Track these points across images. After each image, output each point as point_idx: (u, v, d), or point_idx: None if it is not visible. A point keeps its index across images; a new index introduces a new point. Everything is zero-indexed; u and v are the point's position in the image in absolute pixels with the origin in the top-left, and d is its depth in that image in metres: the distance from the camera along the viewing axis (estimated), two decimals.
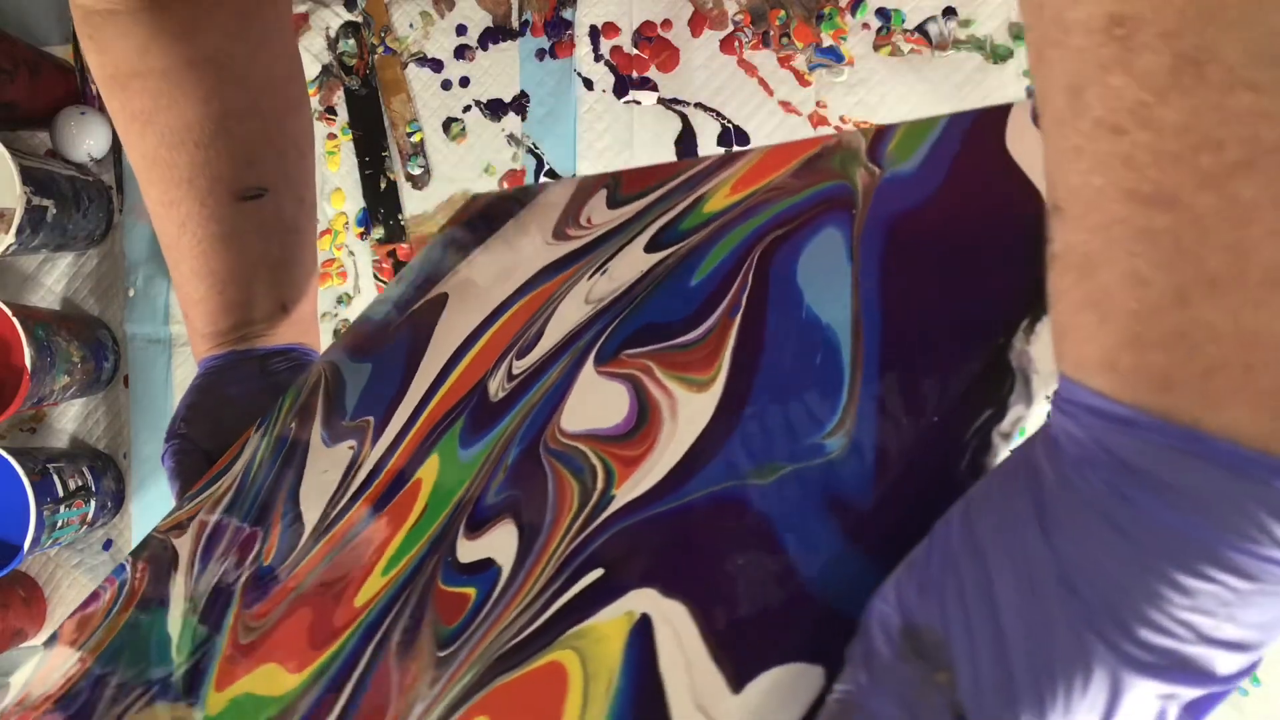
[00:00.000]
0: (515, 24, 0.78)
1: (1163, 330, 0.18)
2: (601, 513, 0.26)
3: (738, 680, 0.21)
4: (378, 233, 0.81)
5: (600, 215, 0.41)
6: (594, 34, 0.76)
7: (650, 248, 0.36)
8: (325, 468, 0.38)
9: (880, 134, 0.32)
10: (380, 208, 0.81)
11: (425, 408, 0.37)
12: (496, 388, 0.35)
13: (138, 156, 0.45)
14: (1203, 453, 0.17)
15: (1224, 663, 0.18)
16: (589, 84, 0.77)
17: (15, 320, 0.71)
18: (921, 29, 0.72)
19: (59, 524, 0.73)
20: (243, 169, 0.45)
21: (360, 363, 0.43)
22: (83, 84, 0.85)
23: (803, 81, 0.74)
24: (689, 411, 0.27)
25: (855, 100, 0.73)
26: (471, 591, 0.28)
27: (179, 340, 0.83)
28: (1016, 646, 0.19)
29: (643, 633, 0.22)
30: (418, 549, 0.31)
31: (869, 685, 0.20)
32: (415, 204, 0.81)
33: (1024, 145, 0.27)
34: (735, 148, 0.75)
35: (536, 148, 0.78)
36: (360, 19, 0.80)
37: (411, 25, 0.80)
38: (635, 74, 0.76)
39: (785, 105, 0.75)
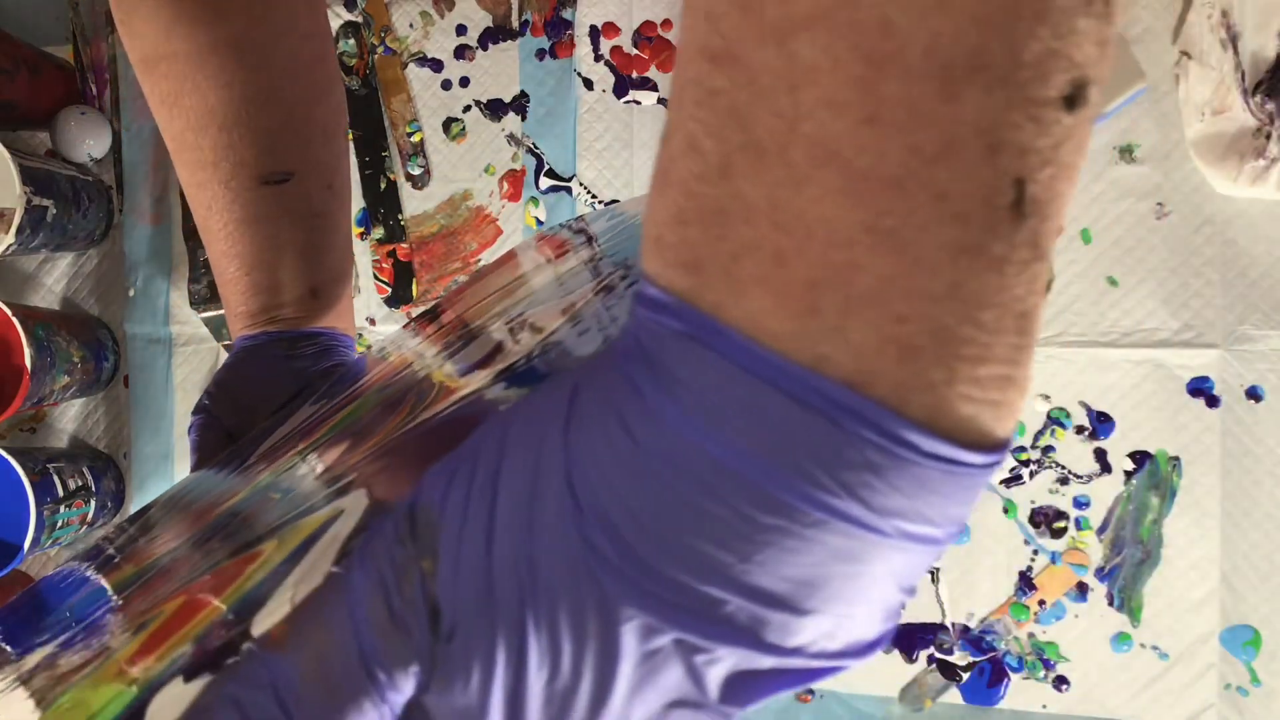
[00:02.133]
0: (515, 24, 0.78)
1: (703, 204, 0.15)
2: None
3: None
4: (378, 233, 0.81)
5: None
6: (594, 34, 0.76)
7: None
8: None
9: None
10: (380, 208, 0.81)
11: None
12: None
13: (169, 138, 0.45)
14: (716, 346, 0.15)
15: (771, 626, 0.16)
16: (589, 84, 0.77)
17: (15, 320, 0.71)
18: None
19: (59, 524, 0.73)
20: (265, 154, 0.45)
21: None
22: (83, 84, 0.85)
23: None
24: None
25: None
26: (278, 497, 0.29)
27: (179, 340, 0.83)
28: (504, 546, 0.17)
29: (328, 519, 0.24)
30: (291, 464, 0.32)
31: (358, 560, 0.19)
32: (415, 204, 0.81)
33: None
34: None
35: (536, 148, 0.78)
36: (360, 19, 0.80)
37: (411, 25, 0.80)
38: (635, 74, 0.76)
39: None
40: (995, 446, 0.16)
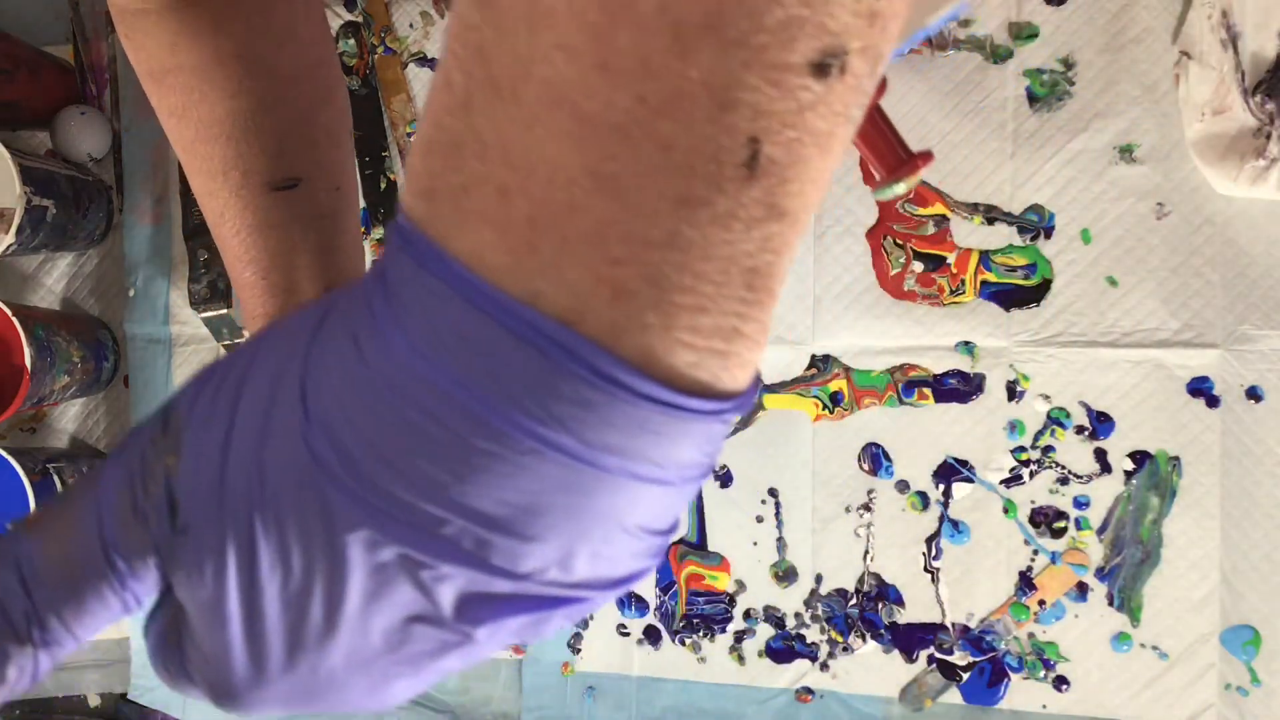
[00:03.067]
0: None
1: (445, 136, 0.16)
2: None
3: None
4: (378, 233, 0.81)
5: None
6: None
7: None
8: None
9: None
10: (380, 208, 0.81)
11: None
12: None
13: (179, 149, 0.46)
14: (440, 274, 0.16)
15: (497, 550, 0.16)
16: None
17: (15, 320, 0.71)
18: None
19: None
20: (274, 160, 0.46)
21: None
22: (82, 84, 0.85)
23: None
24: None
25: None
26: None
27: (179, 340, 0.83)
28: (239, 448, 0.17)
29: None
30: None
31: (115, 454, 0.19)
32: None
33: None
34: None
35: None
36: (360, 19, 0.80)
37: (411, 25, 0.80)
38: None
39: None
40: (723, 395, 0.16)
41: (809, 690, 0.73)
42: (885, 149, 0.42)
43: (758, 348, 0.17)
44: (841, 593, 0.73)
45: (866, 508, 0.73)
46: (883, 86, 0.39)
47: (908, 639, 0.72)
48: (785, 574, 0.74)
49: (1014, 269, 0.70)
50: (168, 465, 0.18)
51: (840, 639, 0.73)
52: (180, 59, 0.43)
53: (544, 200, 0.15)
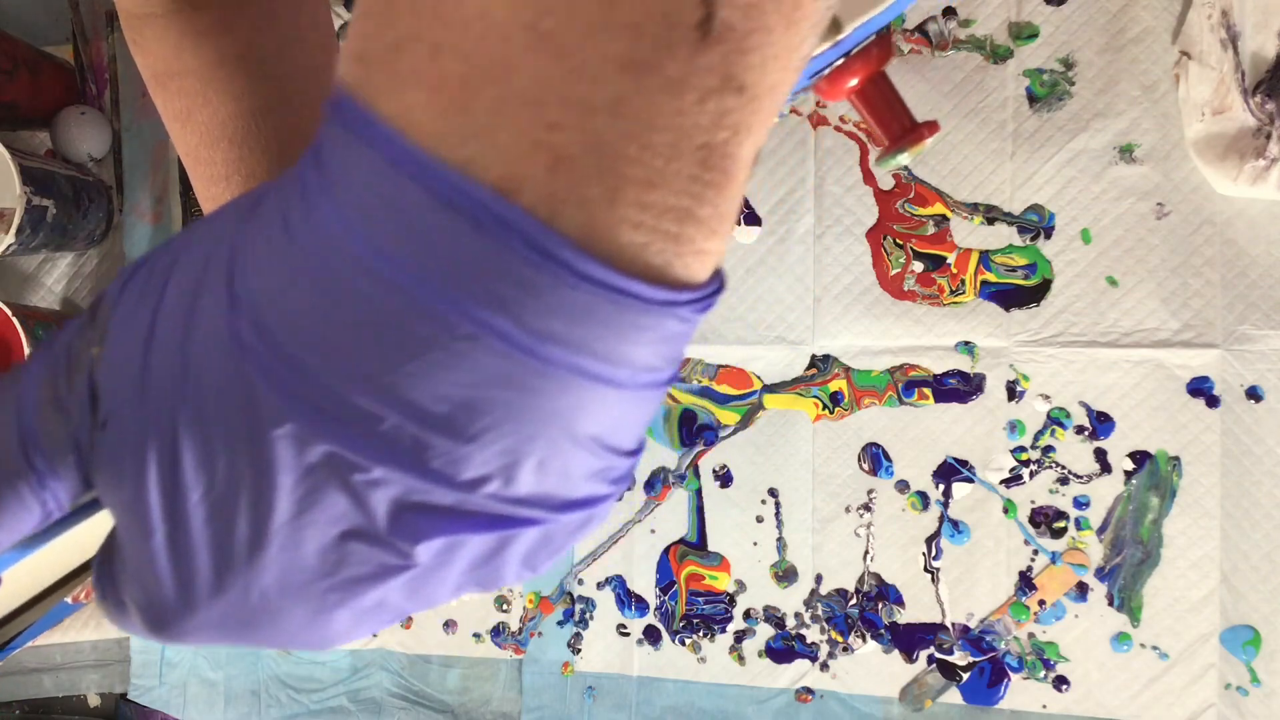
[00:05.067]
0: None
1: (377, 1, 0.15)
2: None
3: None
4: None
5: None
6: None
7: None
8: None
9: None
10: None
11: None
12: None
13: (183, 154, 0.46)
14: (368, 139, 0.14)
15: (435, 452, 0.15)
16: None
17: (15, 320, 0.71)
18: (921, 29, 0.72)
19: None
20: (276, 164, 0.46)
21: None
22: (82, 84, 0.85)
23: None
24: None
25: None
26: None
27: None
28: (163, 337, 0.16)
29: None
30: None
31: (42, 345, 0.18)
32: None
33: None
34: None
35: None
36: None
37: None
38: None
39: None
40: (678, 285, 0.15)
41: (809, 690, 0.73)
42: (890, 117, 0.41)
43: (715, 236, 0.15)
44: (841, 593, 0.73)
45: (866, 508, 0.73)
46: (888, 53, 0.38)
47: (908, 639, 0.72)
48: (785, 574, 0.74)
49: (1014, 269, 0.70)
50: (92, 355, 0.16)
51: (840, 639, 0.73)
52: (185, 62, 0.43)
53: (477, 58, 0.14)
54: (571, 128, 0.14)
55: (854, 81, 0.39)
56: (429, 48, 0.14)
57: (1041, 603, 0.69)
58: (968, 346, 0.71)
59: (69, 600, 0.25)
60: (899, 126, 0.41)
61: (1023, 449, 0.70)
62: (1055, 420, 0.69)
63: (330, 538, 0.16)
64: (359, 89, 0.15)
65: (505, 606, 0.79)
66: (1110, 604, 0.68)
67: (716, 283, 0.16)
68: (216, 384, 0.15)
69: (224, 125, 0.44)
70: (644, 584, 0.77)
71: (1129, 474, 0.68)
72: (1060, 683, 0.69)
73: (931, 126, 0.40)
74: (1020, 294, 0.70)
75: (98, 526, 0.20)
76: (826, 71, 0.39)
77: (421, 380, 0.14)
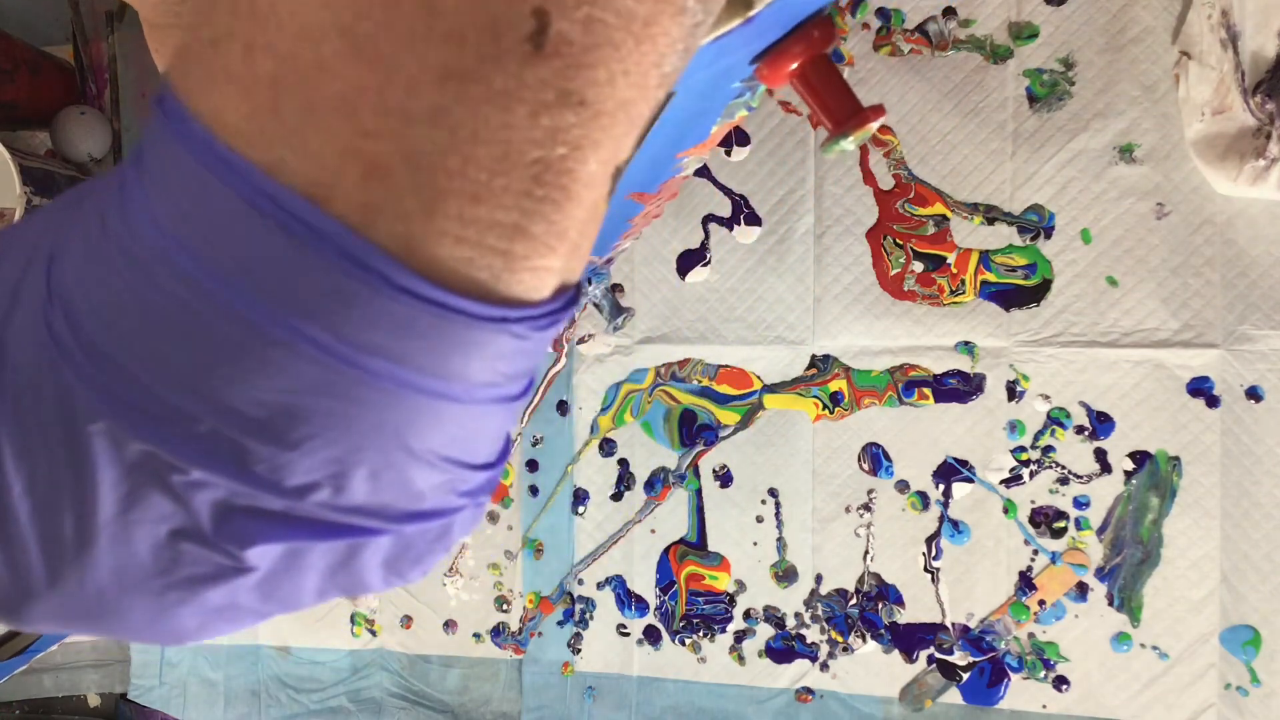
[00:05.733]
0: None
1: None
2: None
3: None
4: None
5: None
6: None
7: None
8: None
9: None
10: None
11: None
12: None
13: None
14: (180, 136, 0.14)
15: (257, 457, 0.15)
16: None
17: None
18: (921, 29, 0.72)
19: None
20: None
21: None
22: (82, 84, 0.85)
23: None
24: None
25: None
26: None
27: None
28: None
29: None
30: None
31: None
32: None
33: None
34: (734, 148, 0.75)
35: None
36: None
37: None
38: None
39: (785, 105, 0.75)
40: (508, 301, 0.15)
41: (809, 690, 0.73)
42: (833, 102, 0.39)
43: (553, 253, 0.15)
44: (841, 593, 0.73)
45: (866, 508, 0.73)
46: (829, 35, 0.37)
47: (908, 639, 0.72)
48: (785, 574, 0.74)
49: (1014, 269, 0.70)
50: None
51: (840, 639, 0.73)
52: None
53: (290, 58, 0.13)
54: (387, 137, 0.13)
55: (794, 65, 0.39)
56: (243, 45, 0.13)
57: (1041, 603, 0.69)
58: (968, 346, 0.71)
59: None
60: (842, 111, 0.39)
61: (1023, 449, 0.70)
62: (1055, 420, 0.69)
63: (160, 536, 0.15)
64: (177, 82, 0.14)
65: (505, 607, 0.79)
66: (1110, 604, 0.68)
67: (563, 299, 0.16)
68: (31, 375, 0.15)
69: None
70: (644, 584, 0.77)
71: (1129, 474, 0.68)
72: (1060, 683, 0.69)
73: (877, 110, 0.39)
74: (1020, 294, 0.70)
75: None
76: (766, 56, 0.38)
77: (236, 384, 0.14)
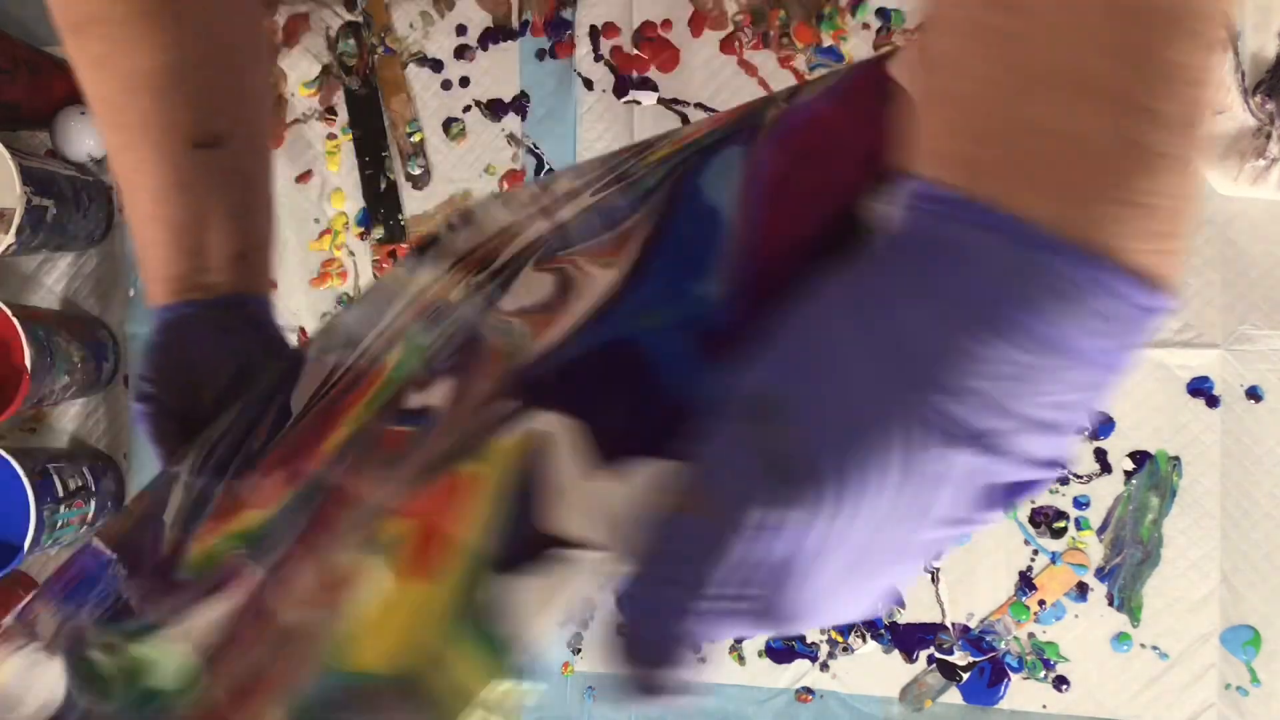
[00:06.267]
0: (515, 24, 0.78)
1: (984, 123, 0.20)
2: (522, 362, 0.33)
3: (622, 473, 0.26)
4: (378, 233, 0.81)
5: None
6: (594, 34, 0.76)
7: (594, 193, 0.42)
8: (310, 378, 0.44)
9: (801, 82, 0.40)
10: (380, 208, 0.81)
11: (393, 321, 0.43)
12: (456, 294, 0.41)
13: (96, 100, 0.45)
14: (997, 225, 0.19)
15: (1035, 444, 0.20)
16: (589, 84, 0.77)
17: (15, 320, 0.71)
18: (921, 29, 0.72)
19: (59, 524, 0.74)
20: (198, 117, 0.46)
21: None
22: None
23: (802, 81, 0.74)
24: (596, 283, 0.34)
25: None
26: (411, 430, 0.34)
27: None
28: (846, 391, 0.21)
29: (538, 442, 0.29)
30: (375, 407, 0.37)
31: (709, 438, 0.22)
32: (415, 204, 0.81)
33: (904, 69, 0.32)
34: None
35: (536, 148, 0.78)
36: (360, 19, 0.80)
37: (411, 25, 0.80)
38: (635, 74, 0.76)
39: None
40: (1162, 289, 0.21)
41: (809, 690, 0.73)
42: None
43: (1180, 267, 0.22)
44: None
45: None
46: None
47: (908, 639, 0.72)
48: None
49: None
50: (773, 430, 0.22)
51: (840, 639, 0.73)
52: (108, 8, 0.42)
53: (1095, 170, 0.19)
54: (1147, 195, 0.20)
55: None
56: (1050, 160, 0.19)
57: (1041, 603, 0.69)
58: None
59: None
60: None
61: None
62: None
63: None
64: (978, 193, 0.19)
65: None
66: (1110, 604, 0.68)
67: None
68: (871, 422, 0.20)
69: (146, 74, 0.43)
70: None
71: (1129, 474, 0.68)
72: (1060, 683, 0.69)
73: None
74: None
75: None
76: None
77: (1039, 399, 0.20)
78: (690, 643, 0.23)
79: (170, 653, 0.33)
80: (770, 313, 0.24)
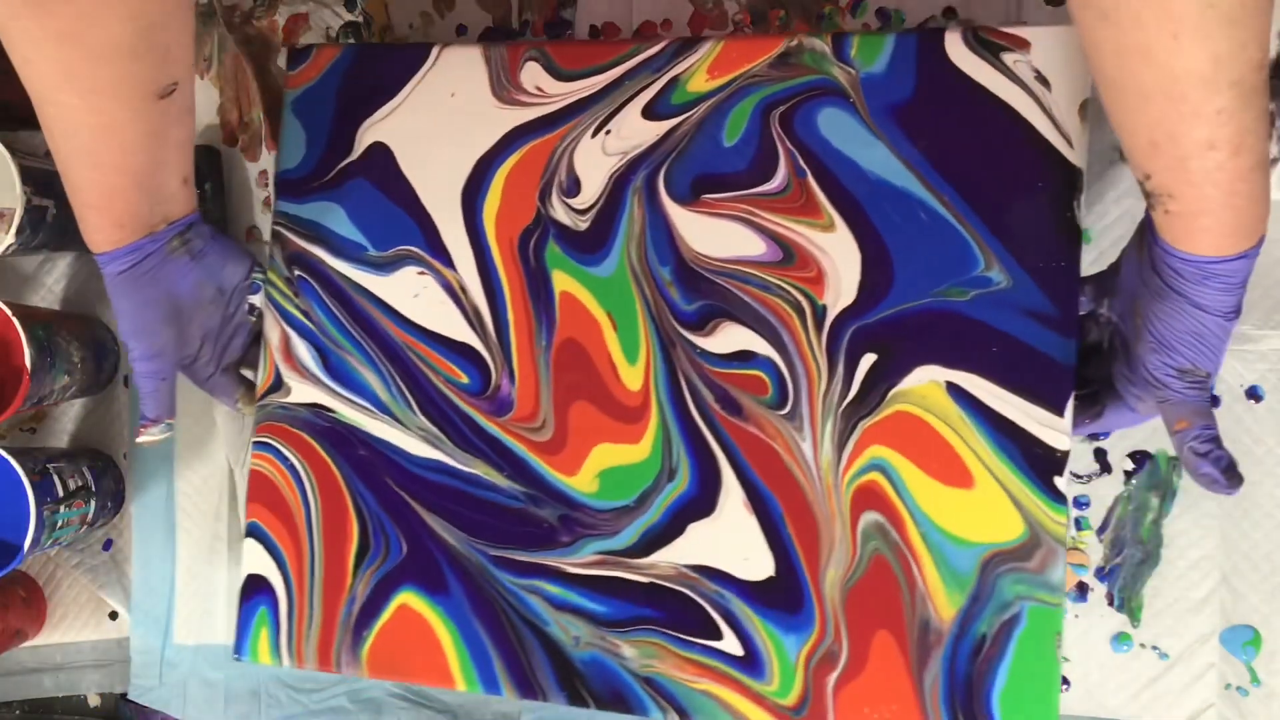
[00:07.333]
0: (515, 24, 0.78)
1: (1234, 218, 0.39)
2: (825, 319, 0.41)
3: (1057, 408, 0.45)
4: None
5: (551, 86, 0.51)
6: (594, 34, 0.76)
7: (649, 115, 0.45)
8: (415, 291, 0.47)
9: (838, 39, 0.47)
10: None
11: (483, 234, 0.46)
12: (571, 220, 0.44)
13: (53, 73, 0.45)
14: (1178, 261, 0.40)
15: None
16: None
17: (15, 320, 0.71)
18: (922, 29, 0.72)
19: (59, 524, 0.74)
20: (162, 72, 0.48)
21: (313, 201, 0.55)
22: None
23: None
24: (830, 245, 0.42)
25: None
26: (758, 374, 0.42)
27: None
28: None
29: (957, 389, 0.42)
30: (645, 346, 0.43)
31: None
32: None
33: (960, 55, 0.42)
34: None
35: None
36: (360, 19, 0.81)
37: (411, 25, 0.80)
38: None
39: None
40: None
41: None
42: None
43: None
44: None
45: None
46: None
47: None
48: None
49: None
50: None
51: None
52: None
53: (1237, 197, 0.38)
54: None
55: None
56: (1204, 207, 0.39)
57: None
58: None
59: None
60: None
61: None
62: None
63: None
64: (1236, 249, 0.41)
65: None
66: (1110, 604, 0.68)
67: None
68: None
69: (118, 41, 0.45)
70: None
71: (1129, 474, 0.68)
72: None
73: None
74: None
75: None
76: None
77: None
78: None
79: None
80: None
